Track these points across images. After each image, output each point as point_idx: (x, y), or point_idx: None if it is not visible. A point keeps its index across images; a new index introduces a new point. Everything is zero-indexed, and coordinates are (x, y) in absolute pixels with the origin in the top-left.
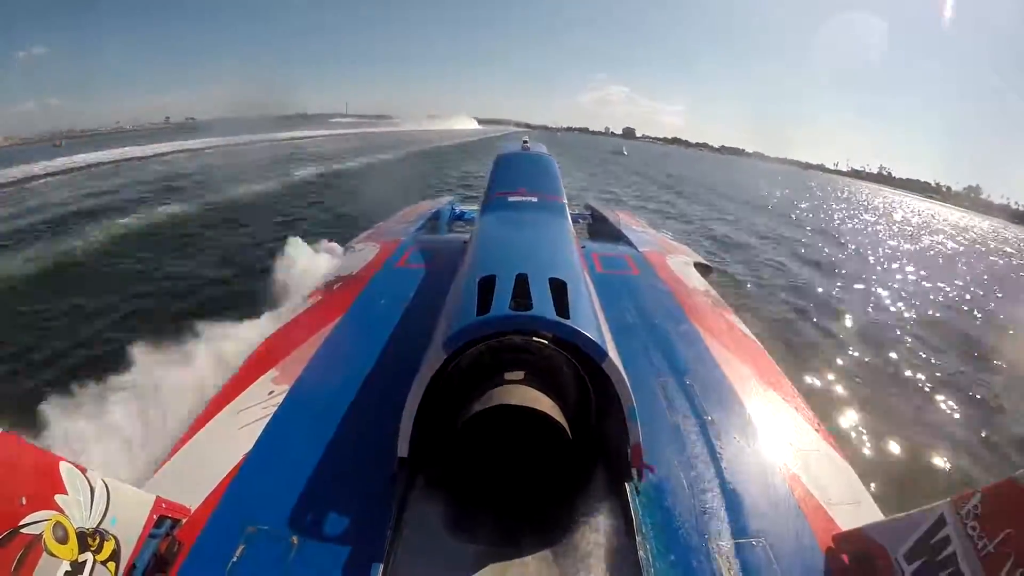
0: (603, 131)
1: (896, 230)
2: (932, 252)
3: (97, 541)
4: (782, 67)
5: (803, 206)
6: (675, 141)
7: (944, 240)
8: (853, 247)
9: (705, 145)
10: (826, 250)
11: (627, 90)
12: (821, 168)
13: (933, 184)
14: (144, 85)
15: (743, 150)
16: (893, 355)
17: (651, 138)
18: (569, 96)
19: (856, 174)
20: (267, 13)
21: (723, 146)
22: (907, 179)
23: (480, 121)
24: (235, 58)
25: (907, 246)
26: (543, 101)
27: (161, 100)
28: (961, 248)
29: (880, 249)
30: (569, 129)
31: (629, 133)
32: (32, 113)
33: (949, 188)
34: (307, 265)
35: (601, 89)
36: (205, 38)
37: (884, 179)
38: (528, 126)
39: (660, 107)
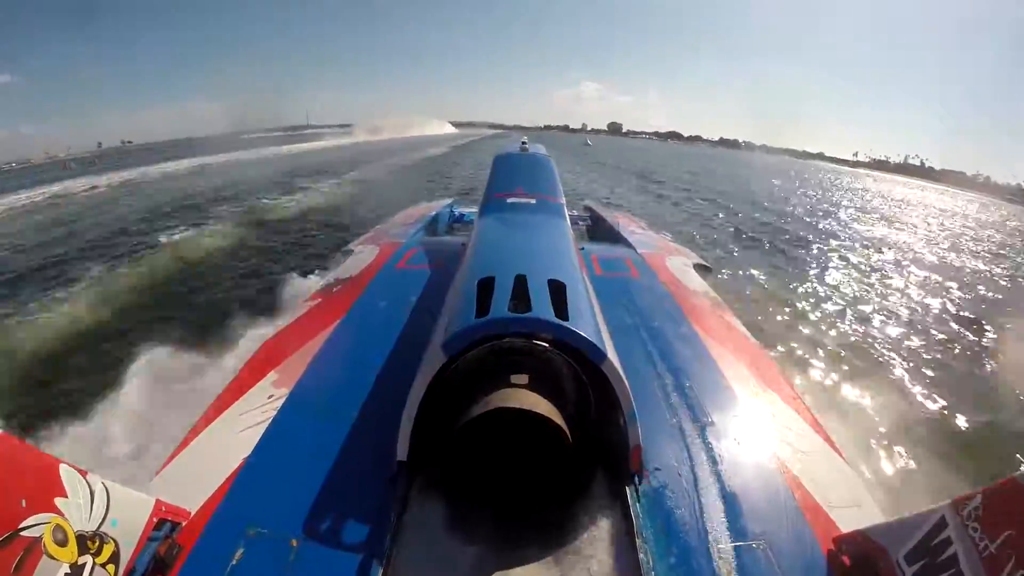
0: (580, 128)
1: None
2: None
3: (97, 544)
4: (771, 49)
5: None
6: (672, 136)
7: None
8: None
9: (698, 138)
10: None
11: (600, 86)
12: (820, 157)
13: (970, 175)
14: (120, 105)
15: (745, 142)
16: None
17: (646, 134)
18: (541, 94)
19: (880, 165)
20: (234, 29)
21: (721, 138)
22: (939, 169)
23: (457, 125)
24: (207, 71)
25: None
26: (515, 101)
27: (137, 119)
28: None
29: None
30: (548, 128)
31: (615, 129)
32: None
33: (988, 178)
34: None
35: (574, 86)
36: (175, 52)
37: (912, 170)
38: (502, 127)
39: (633, 101)
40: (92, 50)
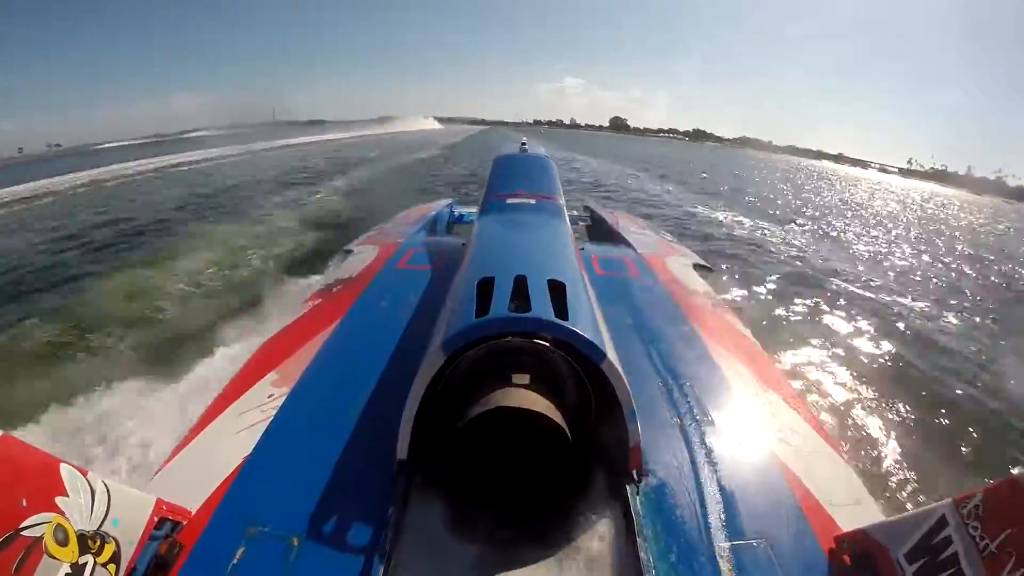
0: (570, 124)
1: None
2: None
3: (98, 543)
4: (771, 43)
5: None
6: (699, 135)
7: None
8: None
9: (709, 135)
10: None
11: (583, 81)
12: (838, 159)
13: None
14: (111, 99)
15: (768, 141)
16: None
17: (664, 131)
18: (524, 89)
19: (939, 176)
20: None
21: (743, 137)
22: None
23: (441, 120)
24: (188, 65)
25: None
26: (496, 97)
27: (126, 113)
28: None
29: None
30: (538, 123)
31: (619, 125)
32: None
33: None
34: None
35: (557, 81)
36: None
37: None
38: (483, 122)
39: (616, 96)
40: (79, 44)
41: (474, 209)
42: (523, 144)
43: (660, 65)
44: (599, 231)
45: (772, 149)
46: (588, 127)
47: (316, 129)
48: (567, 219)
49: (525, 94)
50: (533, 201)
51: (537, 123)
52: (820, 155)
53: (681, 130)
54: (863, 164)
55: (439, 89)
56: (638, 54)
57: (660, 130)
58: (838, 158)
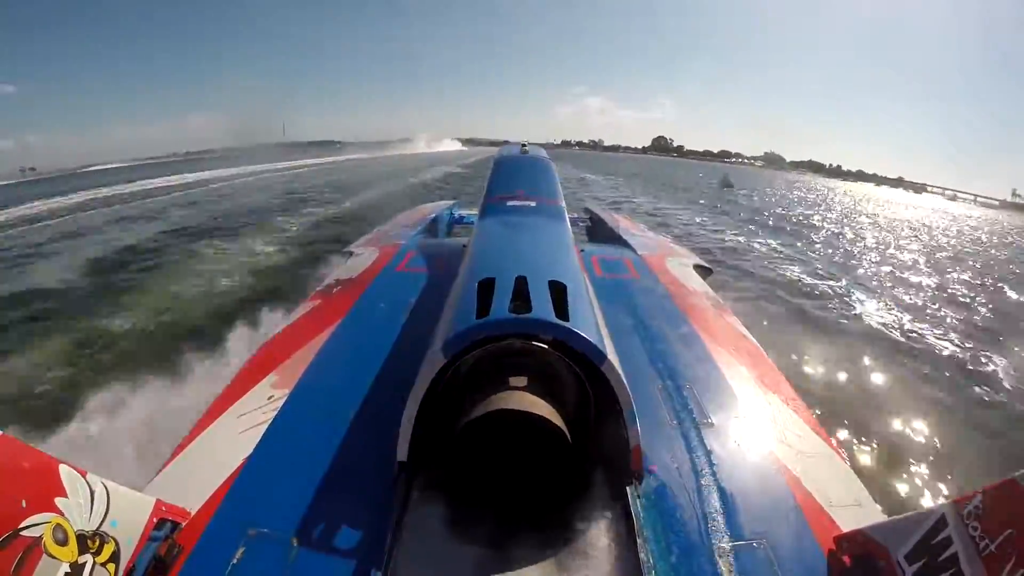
0: (593, 143)
1: None
2: None
3: (97, 543)
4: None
5: None
6: (772, 160)
7: None
8: None
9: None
10: None
11: (602, 101)
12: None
13: None
14: (133, 118)
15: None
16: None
17: (744, 158)
18: (543, 111)
19: None
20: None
21: (811, 161)
22: None
23: (464, 142)
24: (206, 86)
25: None
26: (516, 119)
27: (142, 132)
28: None
29: None
30: (566, 144)
31: (664, 146)
32: (7, 152)
33: None
34: None
35: (578, 102)
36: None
37: None
38: (507, 144)
39: (636, 116)
40: (102, 63)
41: (474, 211)
42: (523, 146)
43: (682, 83)
44: (599, 233)
45: (844, 176)
46: (626, 149)
47: (333, 150)
48: (567, 221)
49: (545, 115)
50: (533, 203)
51: (566, 144)
52: (881, 180)
53: (732, 151)
54: (922, 188)
55: (454, 112)
56: (659, 73)
57: (709, 152)
58: (898, 182)
